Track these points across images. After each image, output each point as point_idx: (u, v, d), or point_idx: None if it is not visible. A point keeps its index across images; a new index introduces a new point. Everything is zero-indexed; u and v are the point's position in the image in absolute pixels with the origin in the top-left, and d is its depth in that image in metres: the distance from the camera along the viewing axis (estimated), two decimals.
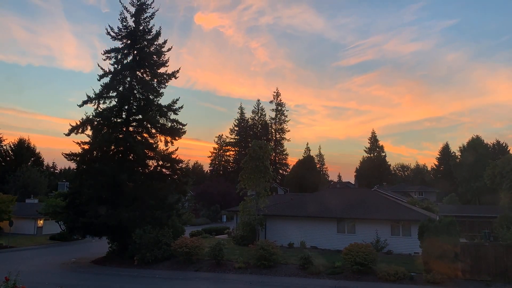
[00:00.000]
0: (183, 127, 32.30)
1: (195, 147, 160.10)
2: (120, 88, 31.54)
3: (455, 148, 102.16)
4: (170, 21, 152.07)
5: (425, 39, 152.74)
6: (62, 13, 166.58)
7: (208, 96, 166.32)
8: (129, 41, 31.94)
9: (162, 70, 32.58)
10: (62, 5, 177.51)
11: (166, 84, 32.72)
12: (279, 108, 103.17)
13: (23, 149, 77.28)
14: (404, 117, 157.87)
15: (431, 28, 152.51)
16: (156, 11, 32.61)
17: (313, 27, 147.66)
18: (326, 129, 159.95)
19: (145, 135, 32.14)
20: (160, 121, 31.86)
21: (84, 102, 30.69)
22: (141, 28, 32.15)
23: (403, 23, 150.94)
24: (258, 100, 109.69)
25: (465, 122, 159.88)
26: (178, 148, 32.29)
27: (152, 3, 32.54)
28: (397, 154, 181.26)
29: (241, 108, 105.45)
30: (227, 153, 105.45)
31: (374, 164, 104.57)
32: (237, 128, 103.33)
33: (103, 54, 31.73)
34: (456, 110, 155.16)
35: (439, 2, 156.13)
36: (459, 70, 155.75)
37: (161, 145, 31.95)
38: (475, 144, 79.13)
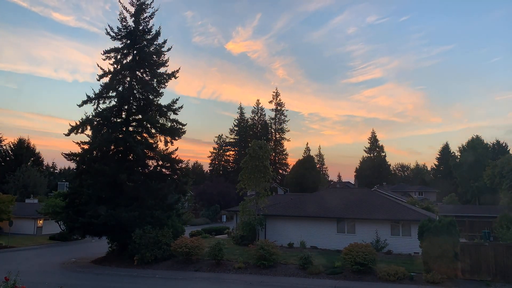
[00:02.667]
0: (183, 127, 32.34)
1: (198, 148, 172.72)
2: (120, 88, 31.53)
3: (455, 148, 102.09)
4: (204, 47, 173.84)
5: (425, 60, 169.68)
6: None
7: (229, 106, 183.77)
8: (128, 41, 31.89)
9: (162, 70, 32.63)
10: None
11: (166, 84, 32.73)
12: (279, 108, 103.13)
13: (23, 149, 77.23)
14: (407, 124, 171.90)
15: (430, 52, 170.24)
16: (156, 11, 32.65)
17: (328, 49, 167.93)
18: (335, 133, 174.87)
19: (145, 135, 32.13)
20: (160, 121, 31.87)
21: (84, 102, 30.66)
22: (140, 28, 32.12)
23: (405, 48, 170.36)
24: (258, 100, 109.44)
25: (464, 128, 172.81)
26: (178, 148, 32.38)
27: (151, 3, 32.56)
28: (401, 156, 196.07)
29: (240, 108, 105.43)
30: (227, 153, 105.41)
31: (374, 164, 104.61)
32: (236, 128, 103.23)
33: (103, 54, 31.70)
34: (456, 117, 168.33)
35: (436, 32, 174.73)
36: (457, 83, 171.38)
37: (161, 145, 32.03)
38: (475, 144, 79.02)
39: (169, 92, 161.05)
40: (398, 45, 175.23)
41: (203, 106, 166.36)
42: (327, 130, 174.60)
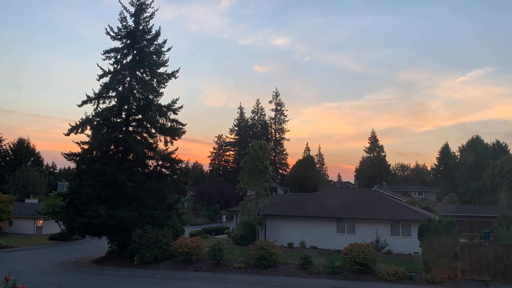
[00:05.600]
0: (183, 127, 32.35)
1: (198, 148, 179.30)
2: (120, 88, 31.51)
3: (455, 148, 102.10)
4: (234, 68, 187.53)
5: (423, 79, 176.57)
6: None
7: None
8: (128, 41, 31.87)
9: (161, 69, 32.62)
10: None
11: (166, 83, 32.73)
12: (279, 108, 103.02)
13: (23, 149, 77.24)
14: (408, 131, 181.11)
15: (426, 72, 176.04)
16: (156, 10, 32.66)
17: (341, 66, 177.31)
18: (342, 138, 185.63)
19: (145, 135, 32.13)
20: (160, 121, 31.85)
21: (84, 102, 30.64)
22: (140, 28, 32.09)
23: (405, 65, 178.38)
24: (258, 100, 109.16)
25: (464, 134, 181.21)
26: (178, 148, 32.37)
27: (151, 3, 32.56)
28: (403, 157, 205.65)
29: (240, 108, 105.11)
30: (227, 153, 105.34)
31: (374, 164, 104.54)
32: (236, 128, 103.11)
33: (103, 54, 31.68)
34: (455, 123, 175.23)
35: (433, 49, 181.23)
36: (455, 94, 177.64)
37: (161, 145, 32.02)
38: (475, 144, 79.05)
39: (200, 103, 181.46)
40: (401, 66, 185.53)
41: (223, 113, 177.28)
42: (334, 135, 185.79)
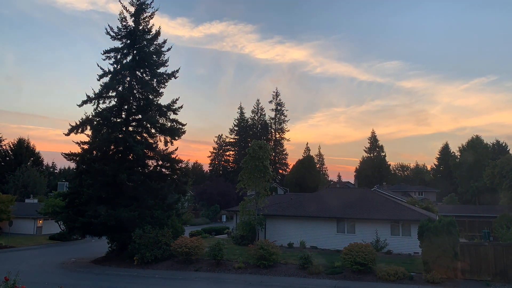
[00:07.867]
0: (183, 127, 32.36)
1: (198, 148, 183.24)
2: (120, 88, 31.51)
3: (455, 148, 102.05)
4: (249, 82, 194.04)
5: (422, 86, 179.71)
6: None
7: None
8: (128, 41, 31.88)
9: (161, 69, 32.63)
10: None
11: (166, 83, 32.73)
12: (279, 108, 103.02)
13: (23, 149, 77.23)
14: (410, 135, 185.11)
15: (427, 81, 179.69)
16: (156, 10, 32.66)
17: (348, 73, 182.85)
18: (345, 141, 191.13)
19: (145, 135, 32.14)
20: (160, 121, 31.86)
21: (84, 102, 30.65)
22: (140, 28, 32.09)
23: (404, 74, 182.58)
24: (258, 100, 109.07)
25: (463, 136, 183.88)
26: (177, 148, 32.38)
27: (151, 3, 32.55)
28: (403, 158, 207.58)
29: (240, 108, 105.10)
30: (227, 153, 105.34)
31: (374, 164, 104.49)
32: (236, 128, 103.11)
33: (103, 54, 31.68)
34: (454, 127, 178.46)
35: (426, 58, 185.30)
36: (453, 102, 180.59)
37: (161, 145, 32.05)
38: (475, 144, 79.01)
39: (216, 111, 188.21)
40: (406, 76, 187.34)
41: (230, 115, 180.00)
42: (337, 138, 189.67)
